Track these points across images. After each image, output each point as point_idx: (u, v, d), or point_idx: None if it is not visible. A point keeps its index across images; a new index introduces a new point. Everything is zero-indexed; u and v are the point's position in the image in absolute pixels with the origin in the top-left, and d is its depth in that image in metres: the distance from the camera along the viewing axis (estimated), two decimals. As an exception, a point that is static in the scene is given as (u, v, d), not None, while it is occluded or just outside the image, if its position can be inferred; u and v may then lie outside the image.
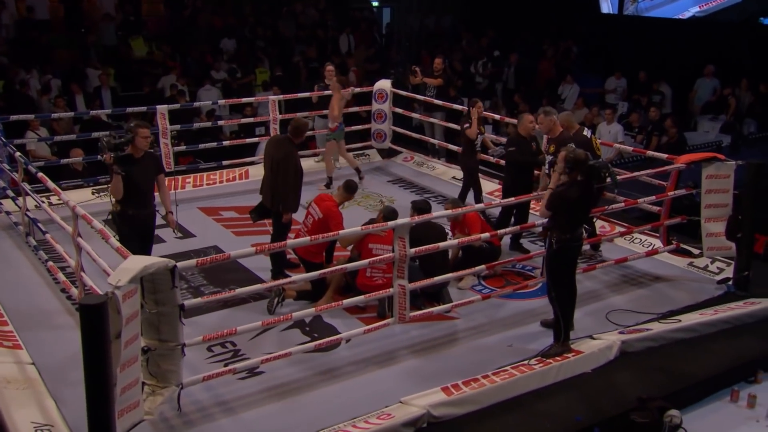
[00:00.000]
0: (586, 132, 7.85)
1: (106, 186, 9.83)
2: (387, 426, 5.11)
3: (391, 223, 6.07)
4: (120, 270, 4.62)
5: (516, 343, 6.46)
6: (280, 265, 7.37)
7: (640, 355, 6.21)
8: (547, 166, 7.66)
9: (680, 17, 16.66)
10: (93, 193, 9.72)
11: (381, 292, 6.25)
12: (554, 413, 5.48)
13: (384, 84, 11.32)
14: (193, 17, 17.43)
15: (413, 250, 6.08)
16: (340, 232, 6.38)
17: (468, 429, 5.27)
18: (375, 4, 21.07)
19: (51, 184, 6.96)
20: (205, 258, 5.15)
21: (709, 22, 16.19)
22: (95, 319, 4.20)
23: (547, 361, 5.96)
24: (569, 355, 6.05)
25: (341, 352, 6.32)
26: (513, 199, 7.17)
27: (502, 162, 8.77)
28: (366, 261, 6.30)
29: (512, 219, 8.19)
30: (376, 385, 5.84)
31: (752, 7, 15.66)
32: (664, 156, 8.06)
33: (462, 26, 19.51)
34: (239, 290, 5.48)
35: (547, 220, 6.11)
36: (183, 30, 16.97)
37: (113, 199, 6.50)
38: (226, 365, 5.83)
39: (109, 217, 6.67)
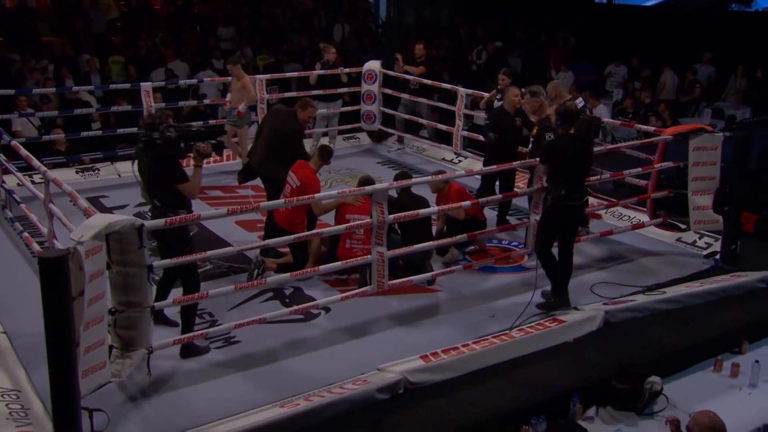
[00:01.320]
0: (575, 102, 7.36)
1: (91, 165, 9.76)
2: (362, 391, 5.04)
3: (368, 188, 5.95)
4: (83, 226, 4.51)
5: (499, 314, 6.36)
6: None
7: (624, 326, 6.12)
8: (530, 147, 7.51)
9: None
10: (77, 173, 9.62)
11: (359, 259, 6.13)
12: (533, 380, 5.40)
13: (373, 65, 11.14)
14: (186, 5, 17.33)
15: (392, 216, 5.96)
16: (315, 195, 6.27)
17: (446, 395, 5.18)
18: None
19: (24, 151, 6.83)
20: (173, 218, 5.04)
21: (704, 8, 16.08)
22: (55, 273, 4.08)
23: (528, 330, 5.87)
24: (551, 324, 5.96)
25: (320, 323, 6.22)
26: (495, 167, 7.02)
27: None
28: (343, 226, 6.19)
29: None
30: (355, 355, 5.73)
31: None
32: (652, 128, 7.95)
33: (459, 18, 19.39)
34: (209, 252, 5.35)
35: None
36: (177, 17, 16.85)
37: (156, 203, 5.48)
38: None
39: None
